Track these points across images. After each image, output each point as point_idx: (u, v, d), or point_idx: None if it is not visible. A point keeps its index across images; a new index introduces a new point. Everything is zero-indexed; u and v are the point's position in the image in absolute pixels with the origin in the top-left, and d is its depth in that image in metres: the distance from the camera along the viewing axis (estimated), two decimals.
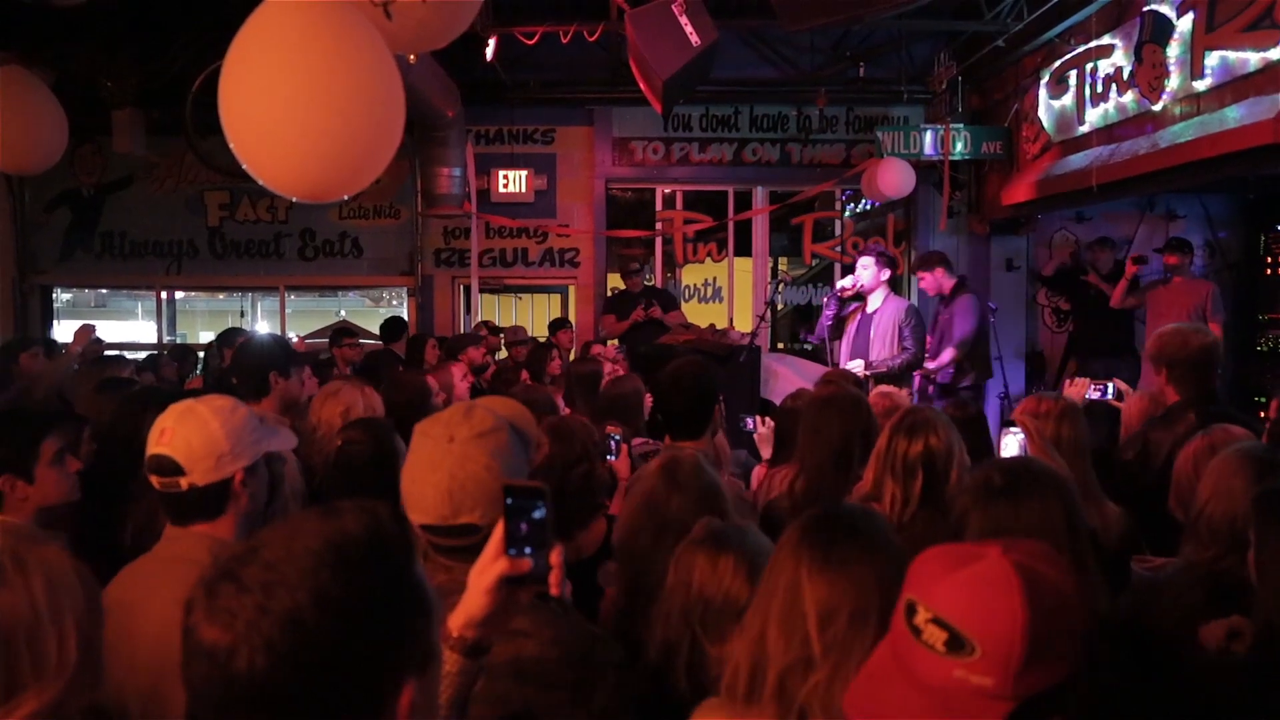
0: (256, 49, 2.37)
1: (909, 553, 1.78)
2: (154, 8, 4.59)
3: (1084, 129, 6.78)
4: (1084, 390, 4.11)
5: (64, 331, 9.12)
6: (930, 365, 6.57)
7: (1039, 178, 7.26)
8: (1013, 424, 3.57)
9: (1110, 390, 4.16)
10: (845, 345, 6.51)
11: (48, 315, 9.85)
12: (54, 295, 10.04)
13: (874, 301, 6.42)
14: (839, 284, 6.77)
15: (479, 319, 8.71)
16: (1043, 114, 7.35)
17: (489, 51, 7.10)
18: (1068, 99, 7.00)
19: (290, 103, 2.34)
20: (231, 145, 2.43)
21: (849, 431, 3.08)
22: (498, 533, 1.35)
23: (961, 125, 8.12)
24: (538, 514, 1.34)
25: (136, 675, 1.66)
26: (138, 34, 5.47)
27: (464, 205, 8.51)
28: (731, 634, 1.67)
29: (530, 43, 7.14)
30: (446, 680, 1.32)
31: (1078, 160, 6.68)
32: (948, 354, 6.56)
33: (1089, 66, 6.64)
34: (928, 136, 8.11)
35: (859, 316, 6.47)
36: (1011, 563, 1.14)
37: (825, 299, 7.03)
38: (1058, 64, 7.09)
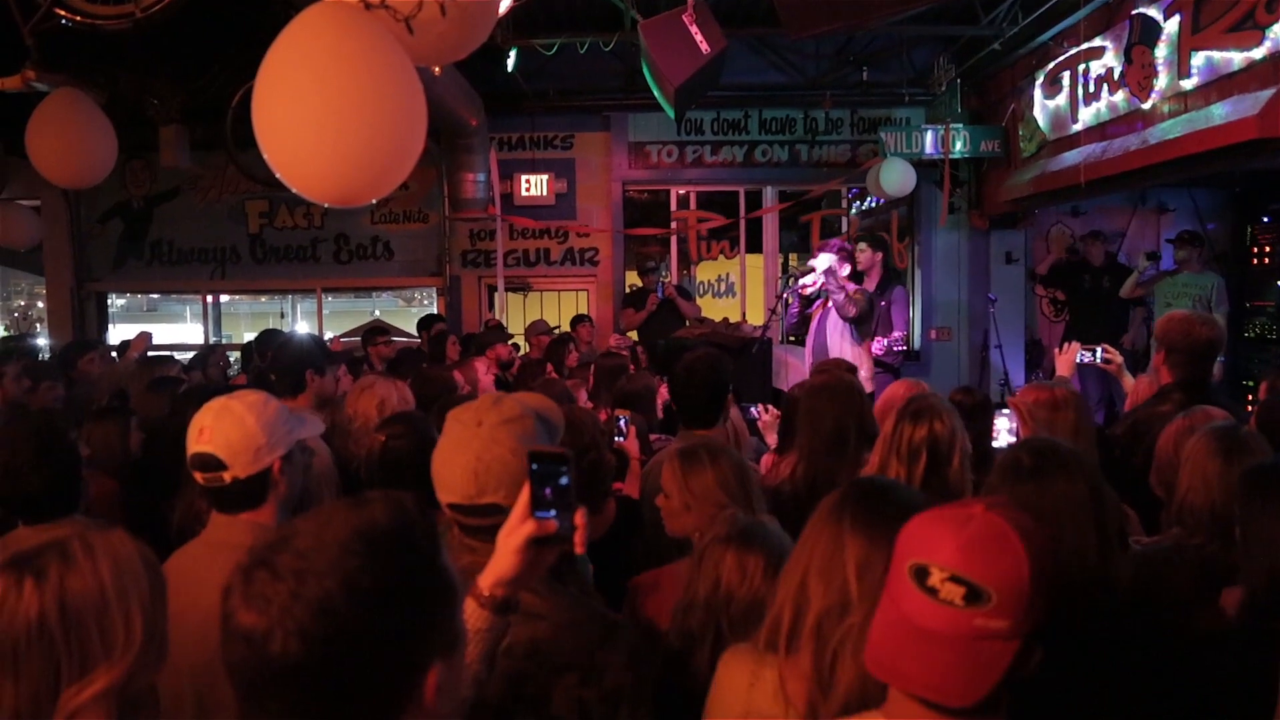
0: (286, 66, 2.39)
1: None
2: (195, 31, 4.63)
3: (1077, 127, 6.73)
4: (1074, 355, 4.12)
5: (118, 335, 9.23)
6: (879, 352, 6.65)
7: (1034, 174, 7.22)
8: (1005, 407, 3.57)
9: (1098, 355, 4.14)
10: (810, 339, 6.57)
11: (103, 320, 9.97)
12: (109, 301, 10.15)
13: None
14: (801, 281, 6.64)
15: (498, 318, 8.73)
16: (1038, 113, 7.30)
17: (509, 63, 7.11)
18: (1061, 99, 6.95)
19: (319, 114, 2.35)
20: (265, 155, 2.45)
21: (843, 416, 3.08)
22: (524, 495, 1.35)
23: (961, 125, 8.07)
24: (562, 479, 1.34)
25: (187, 655, 1.67)
26: (180, 56, 5.52)
27: (488, 209, 8.54)
28: (755, 630, 1.66)
29: (549, 53, 7.15)
30: (477, 636, 1.33)
31: (1071, 157, 6.63)
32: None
33: (1081, 68, 6.59)
34: (929, 136, 8.06)
35: (820, 313, 6.48)
36: (1003, 518, 1.23)
37: (784, 294, 6.95)
38: (1051, 66, 7.04)
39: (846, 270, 6.40)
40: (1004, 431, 3.68)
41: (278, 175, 2.50)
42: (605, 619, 1.68)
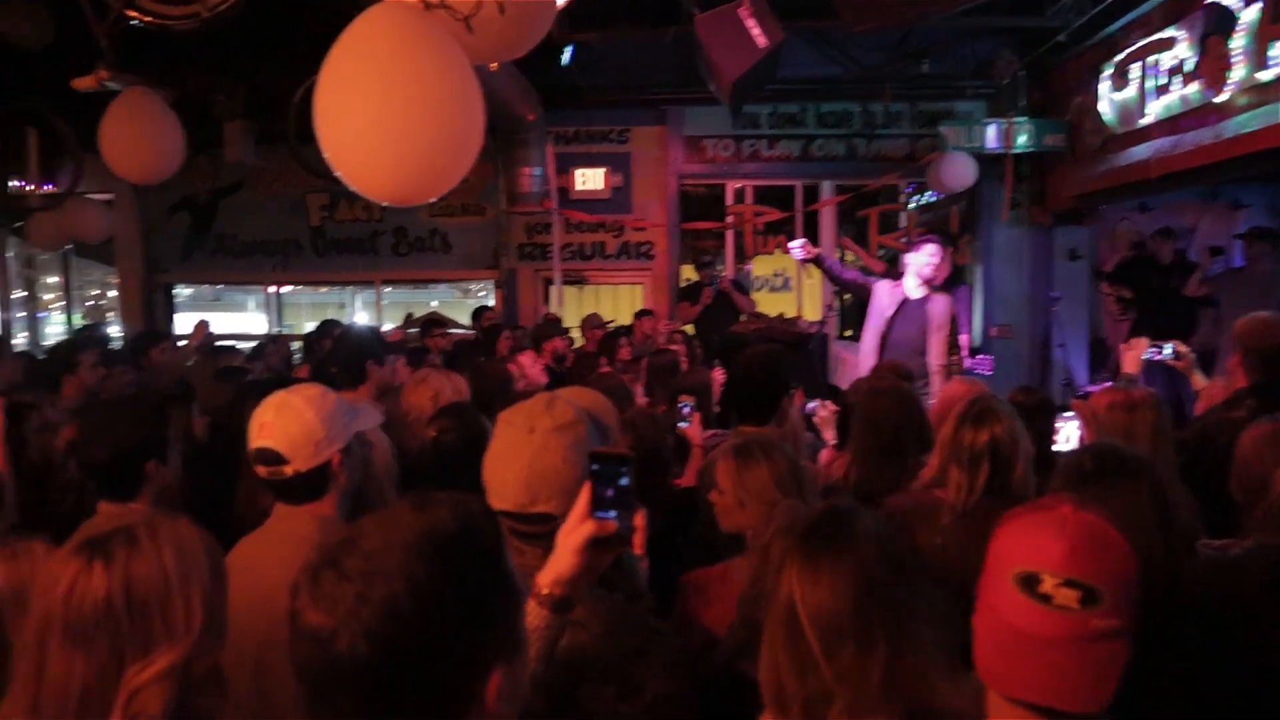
0: (347, 66, 2.42)
1: (970, 539, 1.74)
2: (258, 30, 4.72)
3: (1146, 120, 6.52)
4: (1141, 352, 3.98)
5: (184, 324, 9.47)
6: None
7: (1100, 169, 7.03)
8: (1067, 410, 3.48)
9: (1168, 350, 4.00)
10: (878, 329, 5.89)
11: (170, 310, 10.24)
12: (175, 292, 10.42)
13: (914, 289, 5.84)
14: (795, 244, 6.10)
15: (556, 311, 8.77)
16: (1105, 107, 7.09)
17: (565, 57, 7.13)
18: (1130, 92, 6.75)
19: (379, 115, 2.39)
20: (325, 154, 2.48)
21: (899, 422, 3.03)
22: (585, 495, 1.34)
23: (1024, 119, 7.89)
24: (623, 480, 1.33)
25: (251, 641, 1.70)
26: (245, 54, 5.63)
27: (545, 203, 8.58)
28: None
29: (604, 47, 7.15)
30: (535, 634, 1.33)
31: (1139, 152, 6.44)
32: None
33: (1151, 59, 6.39)
34: (991, 130, 7.90)
35: (901, 303, 5.85)
36: (1097, 515, 1.25)
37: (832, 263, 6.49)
38: (1120, 57, 6.83)
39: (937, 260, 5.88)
40: (1068, 435, 3.60)
41: (338, 175, 2.53)
42: (647, 628, 1.65)
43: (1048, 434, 3.47)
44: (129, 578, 1.31)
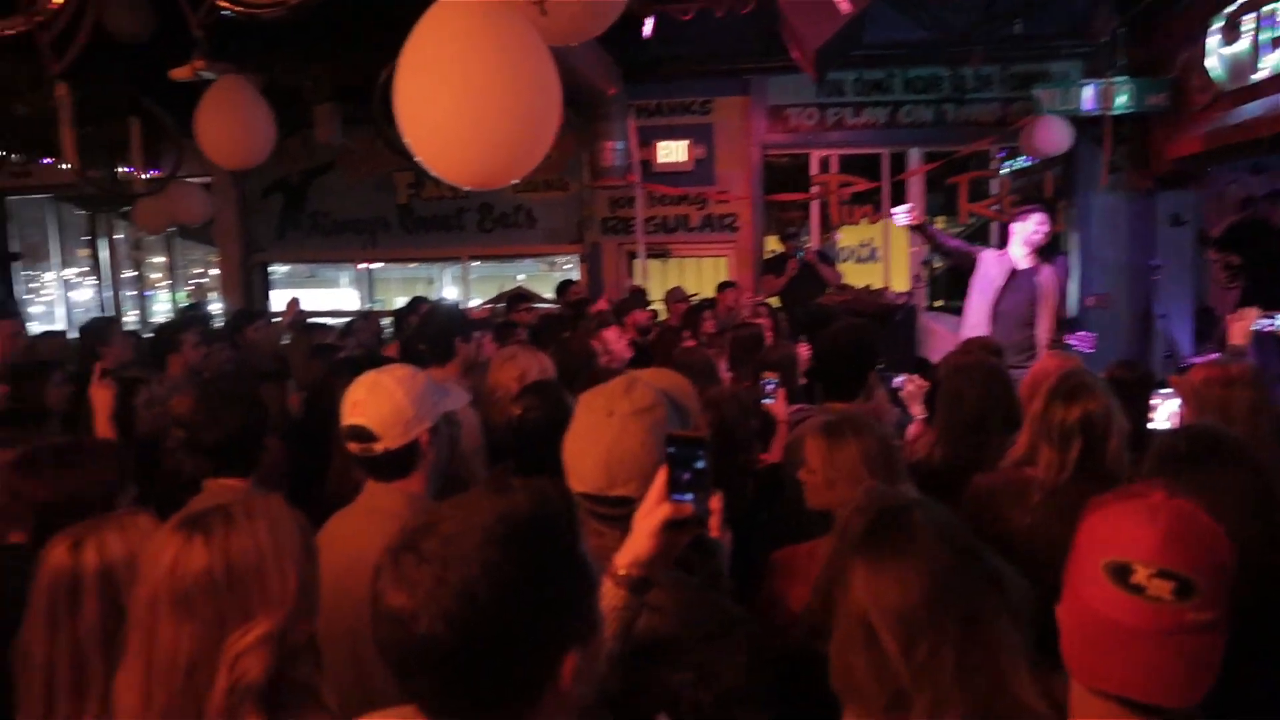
0: (424, 55, 2.46)
1: (1060, 518, 1.69)
2: (343, 16, 4.82)
3: (1259, 76, 6.15)
4: (1251, 321, 3.79)
5: (279, 300, 9.80)
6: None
7: (1208, 129, 6.68)
8: (1167, 386, 3.35)
9: None
10: (988, 300, 5.76)
11: (266, 287, 10.60)
12: (271, 270, 10.78)
13: (1022, 259, 5.74)
14: (901, 209, 6.02)
15: (638, 284, 8.77)
16: (1213, 62, 6.72)
17: (646, 30, 7.07)
18: (1242, 45, 6.37)
19: (457, 102, 2.42)
20: (407, 141, 2.53)
21: (983, 400, 2.98)
22: (661, 478, 1.35)
23: (1125, 78, 7.53)
24: (699, 463, 1.34)
25: (343, 613, 1.76)
26: (329, 39, 5.76)
27: (627, 176, 8.56)
28: None
29: (685, 18, 7.06)
30: (613, 614, 1.35)
31: (1251, 109, 6.10)
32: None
33: (1266, 9, 6.02)
34: (1088, 91, 7.56)
35: (1010, 273, 5.74)
36: (1191, 503, 1.21)
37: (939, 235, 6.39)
38: (1231, 9, 6.45)
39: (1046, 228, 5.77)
40: (1165, 412, 3.45)
41: (419, 161, 2.58)
42: (725, 614, 1.64)
43: (1146, 410, 3.36)
44: (228, 550, 1.40)
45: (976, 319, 5.75)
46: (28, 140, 8.03)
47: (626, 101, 8.28)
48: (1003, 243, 6.30)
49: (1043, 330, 5.65)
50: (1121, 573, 1.17)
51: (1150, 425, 3.37)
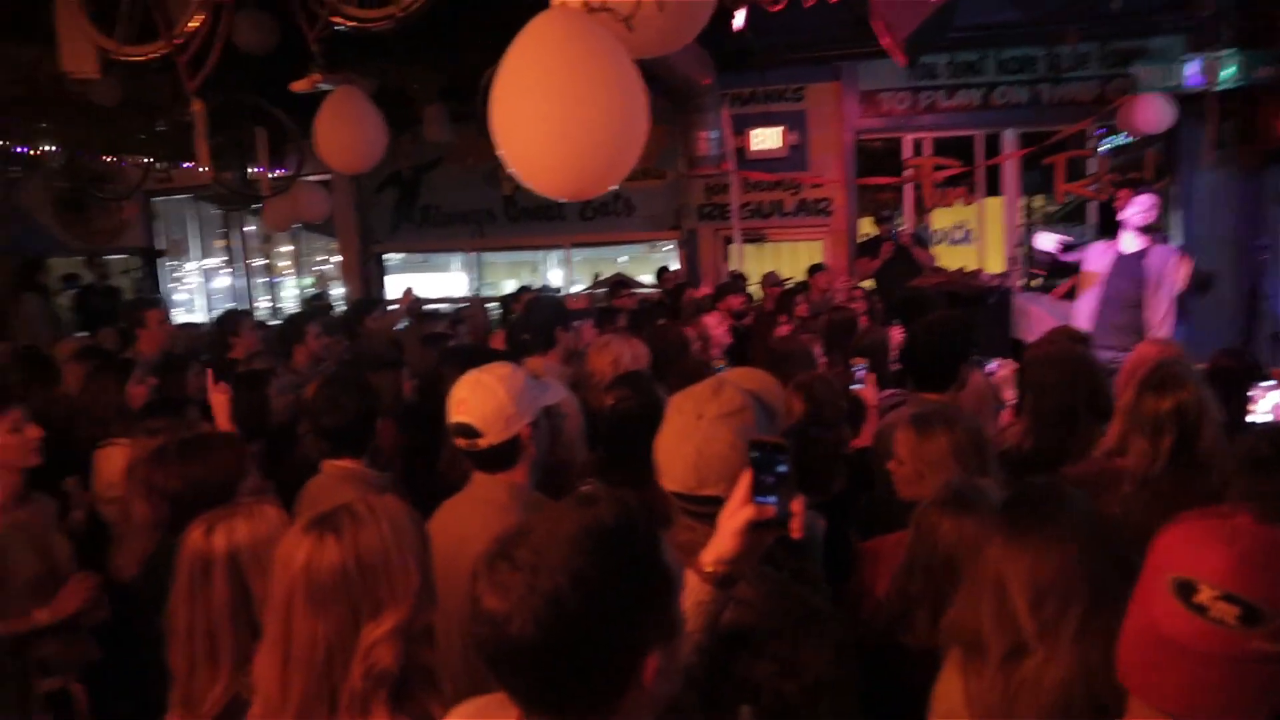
0: (518, 73, 2.57)
1: (1154, 509, 1.71)
2: (447, 24, 5.15)
3: None
4: None
5: (394, 286, 10.35)
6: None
7: None
8: (1270, 378, 3.25)
9: None
10: (1092, 292, 5.76)
11: (382, 275, 11.22)
12: (386, 259, 11.39)
13: (1130, 243, 5.63)
14: (1056, 242, 6.17)
15: (737, 269, 8.94)
16: None
17: (737, 22, 7.20)
18: None
19: (548, 121, 2.56)
20: (502, 155, 2.74)
21: (1067, 390, 2.90)
22: (745, 480, 1.40)
23: (1231, 50, 7.27)
24: (781, 467, 1.39)
25: (454, 599, 1.93)
26: (436, 45, 6.09)
27: (722, 165, 8.72)
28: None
29: (776, 9, 7.16)
30: (699, 608, 1.40)
31: None
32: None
33: None
34: (1192, 66, 7.34)
35: (1114, 258, 5.69)
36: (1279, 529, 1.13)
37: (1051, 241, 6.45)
38: None
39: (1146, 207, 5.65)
40: (1268, 405, 3.31)
41: (514, 175, 2.79)
42: (810, 607, 1.66)
43: (1246, 402, 3.26)
44: (358, 547, 1.50)
45: (1084, 310, 5.73)
46: (170, 149, 8.72)
47: (720, 91, 8.43)
48: (1101, 221, 6.23)
49: (1151, 312, 5.52)
50: (1186, 589, 1.11)
51: (1250, 418, 3.26)
